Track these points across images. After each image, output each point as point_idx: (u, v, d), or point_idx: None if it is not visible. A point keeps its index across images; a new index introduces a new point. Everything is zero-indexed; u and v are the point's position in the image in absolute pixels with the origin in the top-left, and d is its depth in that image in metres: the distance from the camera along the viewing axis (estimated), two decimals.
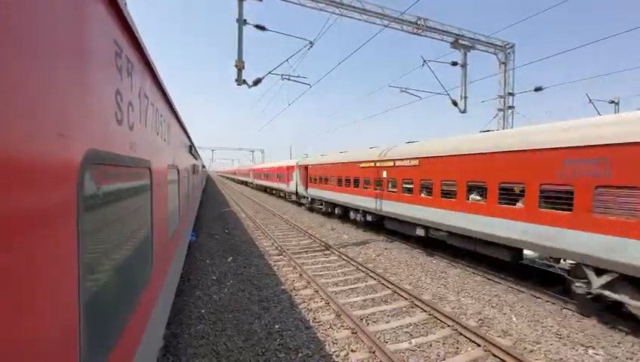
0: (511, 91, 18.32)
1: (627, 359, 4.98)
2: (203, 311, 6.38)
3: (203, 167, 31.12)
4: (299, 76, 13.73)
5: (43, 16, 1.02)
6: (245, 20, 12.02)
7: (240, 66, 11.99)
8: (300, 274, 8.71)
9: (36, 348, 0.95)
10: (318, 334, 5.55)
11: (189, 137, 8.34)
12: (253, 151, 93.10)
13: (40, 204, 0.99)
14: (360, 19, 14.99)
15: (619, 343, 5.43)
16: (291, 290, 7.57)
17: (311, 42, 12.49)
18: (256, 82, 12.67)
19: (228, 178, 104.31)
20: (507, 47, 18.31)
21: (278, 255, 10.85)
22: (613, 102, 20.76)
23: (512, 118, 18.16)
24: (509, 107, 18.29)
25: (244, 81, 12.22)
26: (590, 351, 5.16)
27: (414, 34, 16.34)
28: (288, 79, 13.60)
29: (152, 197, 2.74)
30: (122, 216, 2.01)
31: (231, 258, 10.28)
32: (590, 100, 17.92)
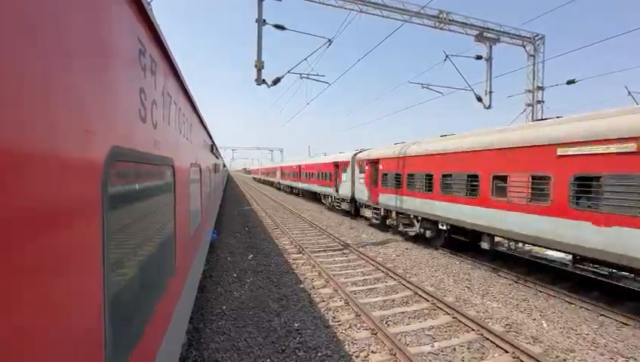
0: (540, 85, 17.42)
1: None
2: (224, 307, 6.50)
3: (224, 166, 31.82)
4: (317, 75, 13.71)
5: (69, 13, 1.02)
6: (265, 20, 12.12)
7: (259, 66, 12.11)
8: (319, 273, 8.69)
9: (63, 346, 0.96)
10: (338, 334, 5.50)
11: (210, 136, 8.51)
12: (272, 151, 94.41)
13: (66, 200, 1.00)
14: (380, 15, 14.74)
15: None
16: (310, 289, 7.56)
17: (330, 40, 12.42)
18: (276, 81, 12.76)
19: (257, 180, 72.57)
20: (536, 38, 17.40)
21: (298, 253, 10.90)
22: None
23: (542, 113, 17.25)
24: (539, 101, 17.39)
25: (264, 81, 12.33)
26: None
27: (436, 28, 15.87)
28: (307, 78, 13.60)
29: (175, 195, 2.79)
30: (146, 213, 2.05)
31: (251, 255, 10.43)
32: (629, 93, 16.70)
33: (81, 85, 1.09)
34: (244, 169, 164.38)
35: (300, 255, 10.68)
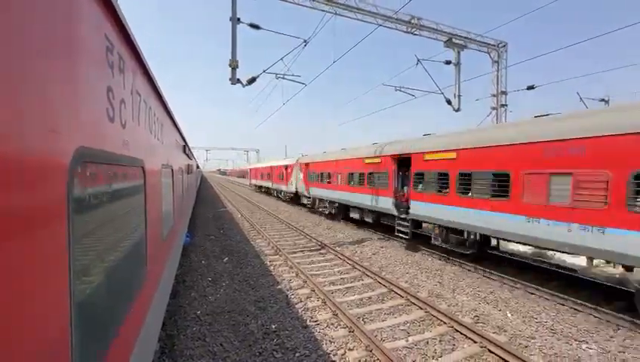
0: (504, 89, 18.51)
1: (619, 352, 5.06)
2: (199, 312, 6.32)
3: (197, 167, 30.87)
4: (293, 75, 13.69)
5: (31, 9, 0.98)
6: (239, 19, 11.92)
7: (234, 65, 11.88)
8: (297, 274, 8.69)
9: (26, 354, 0.91)
10: (315, 333, 5.53)
11: (182, 137, 8.25)
12: (247, 152, 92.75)
13: (29, 203, 0.95)
14: (354, 18, 15.00)
15: (611, 337, 5.52)
16: (288, 290, 7.54)
17: (305, 41, 12.45)
18: (251, 81, 12.58)
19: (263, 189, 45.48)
20: (500, 45, 18.48)
21: (275, 254, 10.82)
22: (603, 100, 21.07)
23: (505, 116, 18.35)
24: (502, 105, 18.47)
25: (239, 80, 12.12)
26: (584, 346, 5.23)
27: (408, 33, 16.40)
28: (283, 78, 13.54)
29: (145, 197, 2.69)
30: (115, 216, 1.97)
31: (226, 258, 10.21)
32: (581, 98, 18.20)
33: (45, 83, 1.04)
34: (219, 170, 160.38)
35: (277, 256, 10.61)
